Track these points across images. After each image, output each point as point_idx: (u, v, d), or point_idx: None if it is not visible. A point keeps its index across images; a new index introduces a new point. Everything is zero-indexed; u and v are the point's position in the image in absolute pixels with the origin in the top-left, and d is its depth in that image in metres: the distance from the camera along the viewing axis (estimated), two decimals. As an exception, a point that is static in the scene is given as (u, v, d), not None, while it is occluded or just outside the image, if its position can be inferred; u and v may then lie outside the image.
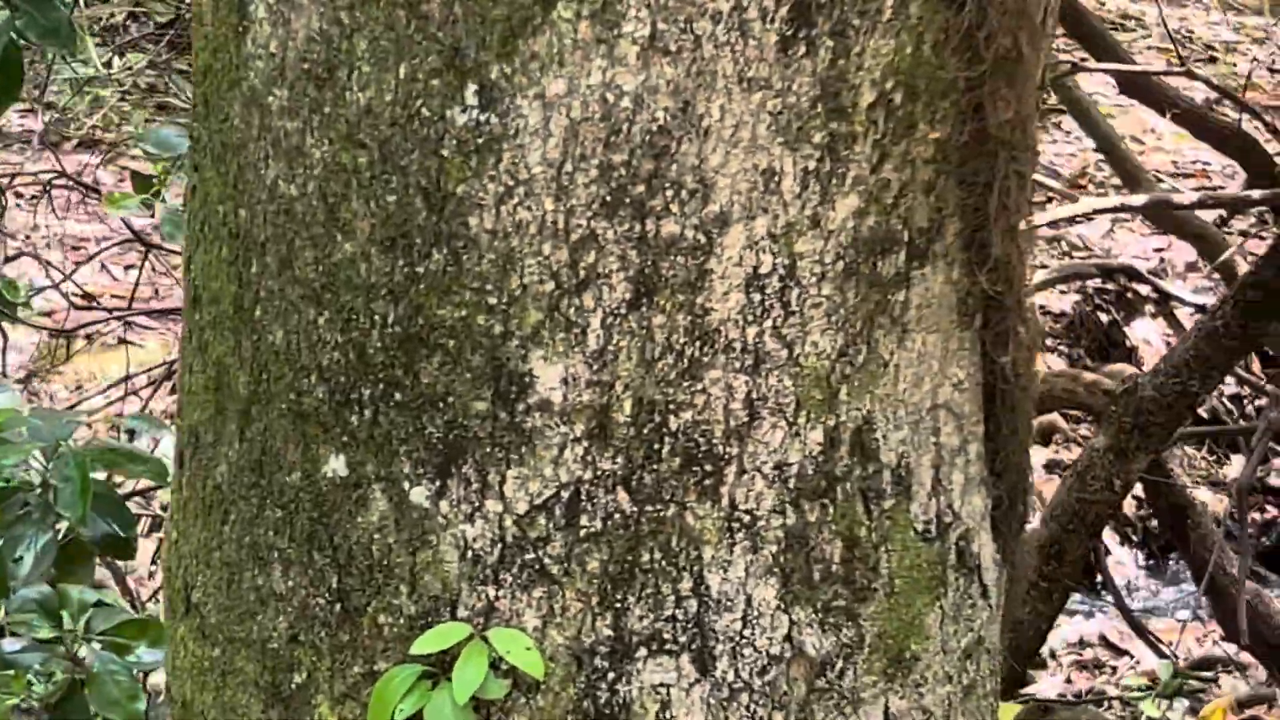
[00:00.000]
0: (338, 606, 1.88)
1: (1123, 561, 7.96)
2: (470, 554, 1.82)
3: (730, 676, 1.86)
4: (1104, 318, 8.81)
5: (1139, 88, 3.94)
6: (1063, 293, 9.20)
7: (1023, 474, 2.10)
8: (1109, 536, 8.09)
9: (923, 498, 1.95)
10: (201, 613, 2.01)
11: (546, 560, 1.82)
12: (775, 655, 1.87)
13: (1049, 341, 8.97)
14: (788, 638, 1.87)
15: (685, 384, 1.81)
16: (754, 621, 1.86)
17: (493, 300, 1.78)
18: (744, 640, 1.86)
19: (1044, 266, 9.82)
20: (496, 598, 1.83)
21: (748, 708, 1.87)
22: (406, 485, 1.83)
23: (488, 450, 1.81)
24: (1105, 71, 3.95)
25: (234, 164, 1.90)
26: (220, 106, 1.91)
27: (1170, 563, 8.37)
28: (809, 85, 1.78)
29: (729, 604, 1.85)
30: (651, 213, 1.77)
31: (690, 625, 1.85)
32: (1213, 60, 14.27)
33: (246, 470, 1.93)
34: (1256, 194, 3.89)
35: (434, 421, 1.81)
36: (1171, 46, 15.14)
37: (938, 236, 1.91)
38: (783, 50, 1.76)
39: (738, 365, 1.82)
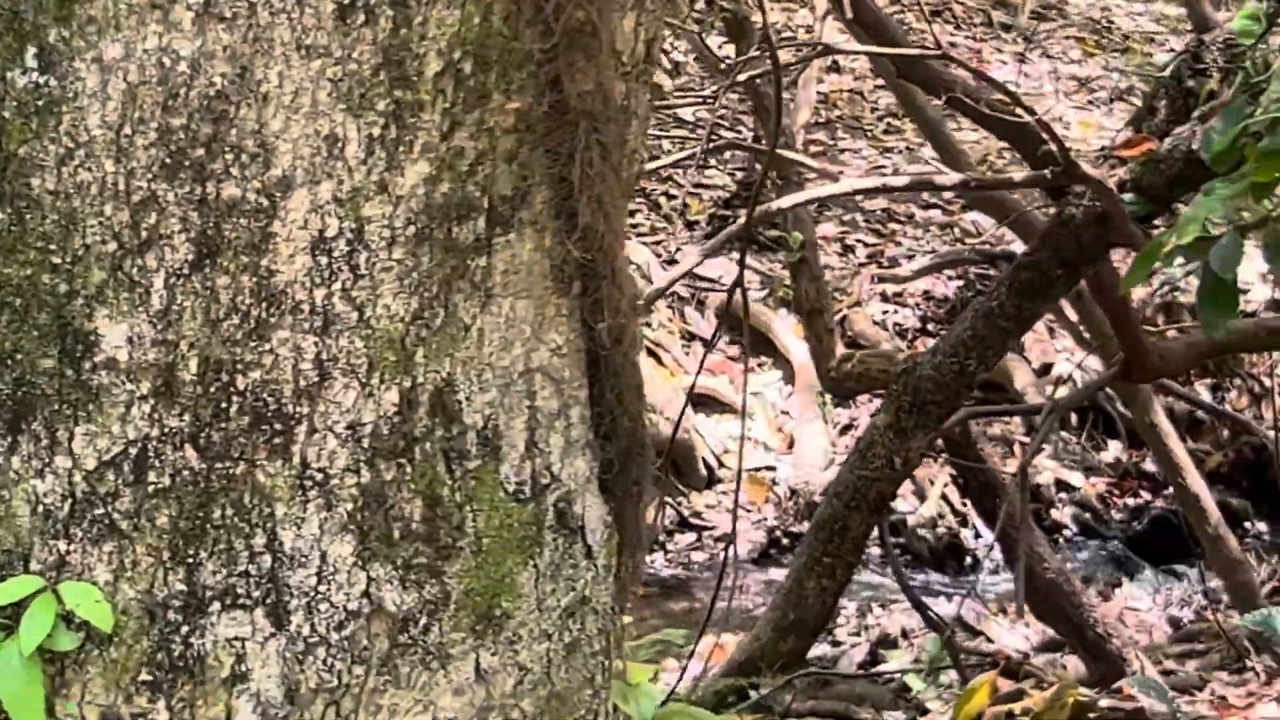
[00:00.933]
0: (-76, 560, 1.92)
1: (989, 541, 8.02)
2: (41, 509, 1.86)
3: (306, 631, 1.90)
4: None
5: (918, 74, 3.99)
6: (948, 278, 9.29)
7: (635, 438, 2.14)
8: (975, 518, 8.18)
9: (515, 459, 2.00)
10: None
11: (116, 515, 1.86)
12: (353, 610, 1.91)
13: (931, 326, 9.06)
14: (366, 593, 1.92)
15: (252, 344, 1.85)
16: (329, 577, 1.90)
17: (57, 260, 1.82)
18: (319, 595, 1.90)
19: (932, 251, 9.94)
20: (68, 552, 1.87)
21: (325, 661, 1.91)
22: (-19, 441, 1.87)
23: (56, 407, 1.85)
24: (861, 54, 3.99)
25: None
26: None
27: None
28: (370, 53, 1.82)
29: (303, 560, 1.89)
30: (212, 175, 1.81)
31: (264, 580, 1.89)
32: (1126, 50, 14.38)
33: None
34: (1018, 177, 3.95)
35: (3, 379, 1.85)
36: (1088, 37, 15.27)
37: (524, 204, 1.95)
38: (340, 19, 1.80)
39: (306, 326, 1.86)
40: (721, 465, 8.15)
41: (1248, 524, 8.98)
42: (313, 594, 1.90)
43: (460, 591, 1.97)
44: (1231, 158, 2.83)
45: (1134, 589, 7.55)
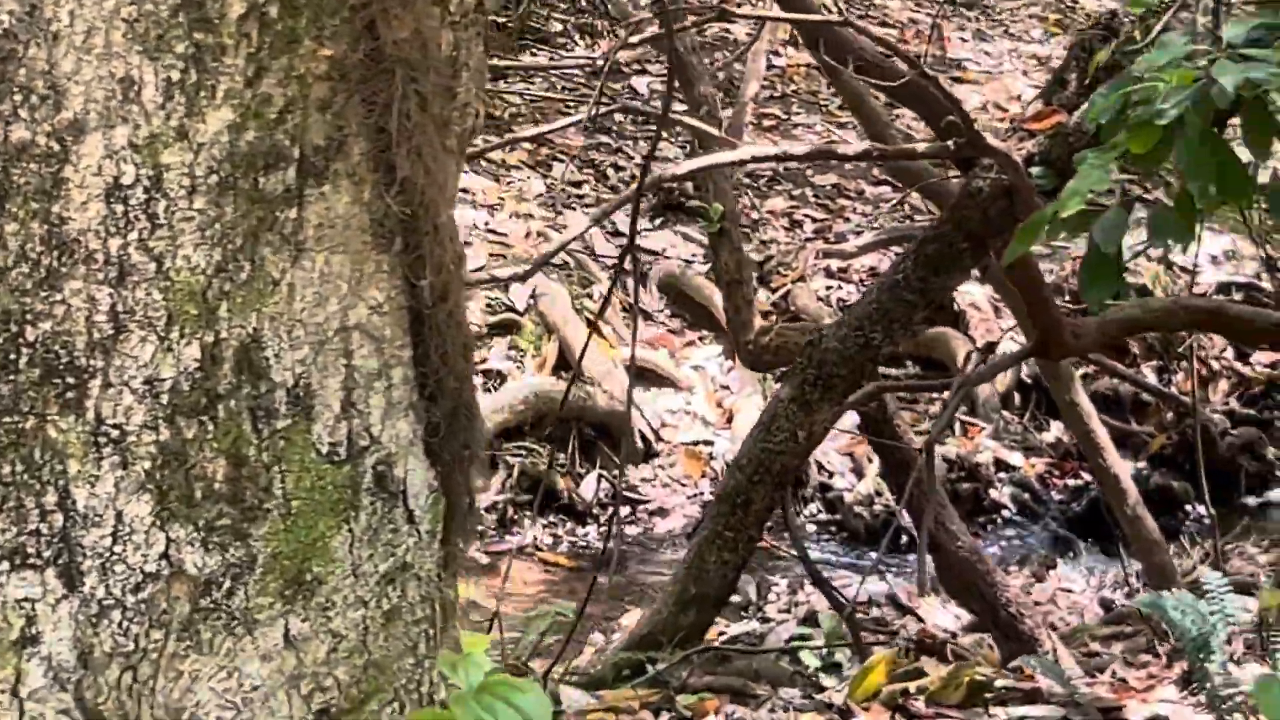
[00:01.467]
0: None
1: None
2: None
3: (100, 593, 1.83)
4: (929, 281, 8.80)
5: (823, 42, 3.92)
6: (895, 255, 9.22)
7: (462, 400, 2.08)
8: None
9: (329, 420, 1.93)
10: None
11: (-102, 470, 1.79)
12: (151, 572, 1.85)
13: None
14: (165, 555, 1.85)
15: (43, 294, 1.78)
16: (125, 538, 1.84)
17: None
18: (115, 556, 1.83)
19: (880, 228, 9.87)
20: None
21: (120, 624, 1.84)
22: None
23: None
24: (760, 18, 3.92)
25: None
26: None
27: (976, 529, 8.41)
28: (168, -7, 1.75)
29: (97, 519, 1.83)
30: (0, 118, 1.74)
31: (56, 540, 1.82)
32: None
33: None
34: (922, 147, 3.89)
35: None
36: (1050, 16, 15.21)
37: (339, 155, 1.89)
38: (135, -44, 1.73)
39: (100, 277, 1.79)
40: (659, 439, 8.08)
41: (1189, 506, 8.95)
42: (107, 555, 1.83)
43: (268, 555, 1.90)
44: (1118, 129, 2.77)
45: (1069, 570, 7.50)
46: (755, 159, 4.00)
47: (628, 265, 3.51)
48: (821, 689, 3.96)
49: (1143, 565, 5.27)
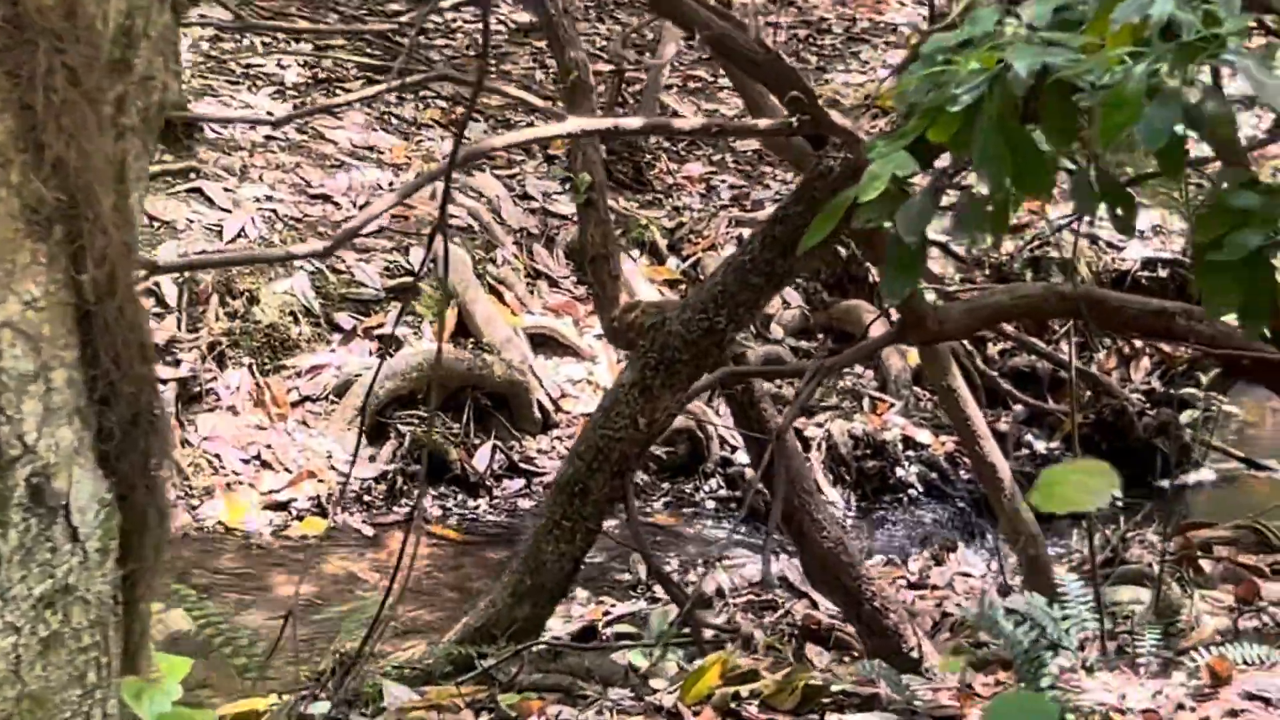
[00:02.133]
0: None
1: (835, 502, 7.82)
2: None
3: None
4: (843, 252, 8.62)
5: (671, 11, 3.71)
6: (811, 226, 9.02)
7: (142, 404, 1.88)
8: (821, 477, 7.96)
9: (-31, 427, 1.73)
10: None
11: None
12: None
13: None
14: None
15: None
16: None
17: None
18: None
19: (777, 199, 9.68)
20: None
21: None
22: None
23: None
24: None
25: None
26: None
27: (881, 507, 8.25)
28: None
29: None
30: None
31: None
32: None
33: None
34: (763, 124, 3.69)
35: None
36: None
37: (-19, 134, 1.68)
38: None
39: None
40: (558, 409, 7.88)
41: (1101, 488, 8.80)
42: None
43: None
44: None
45: (971, 554, 7.32)
46: (585, 131, 3.80)
47: (438, 242, 3.28)
48: (654, 690, 3.78)
49: (1019, 559, 5.10)
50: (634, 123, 3.57)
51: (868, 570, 4.64)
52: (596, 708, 3.65)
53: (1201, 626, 5.63)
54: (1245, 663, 4.08)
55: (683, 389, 3.87)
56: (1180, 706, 3.70)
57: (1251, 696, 3.80)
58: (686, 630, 4.10)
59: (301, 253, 3.76)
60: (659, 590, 6.67)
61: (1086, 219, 3.59)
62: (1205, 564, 6.37)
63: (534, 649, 4.01)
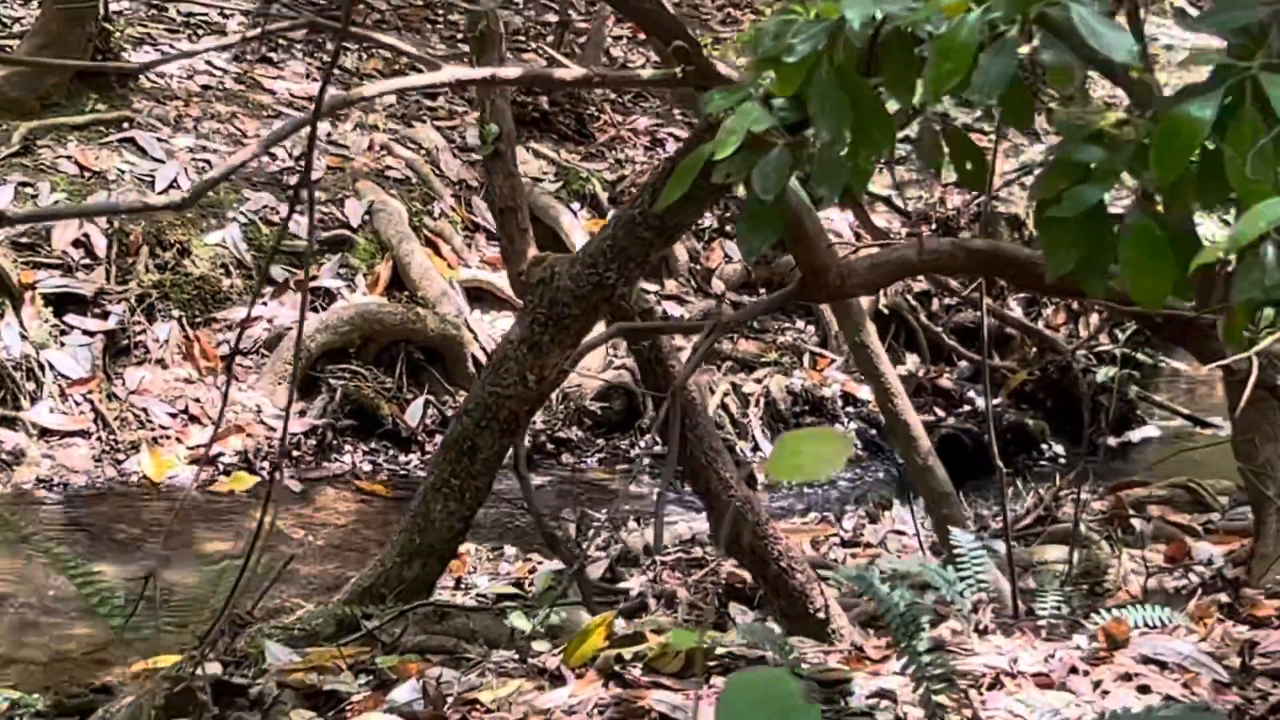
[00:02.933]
0: None
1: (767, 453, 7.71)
2: None
3: None
4: (786, 208, 8.50)
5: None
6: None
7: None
8: (759, 433, 7.90)
9: None
10: None
11: None
12: None
13: (730, 227, 8.72)
14: None
15: None
16: None
17: None
18: None
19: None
20: None
21: None
22: None
23: None
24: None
25: None
26: None
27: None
28: None
29: None
30: None
31: None
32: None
33: None
34: (645, 74, 3.60)
35: None
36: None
37: None
38: None
39: None
40: (493, 364, 7.79)
41: (1045, 445, 8.76)
42: None
43: None
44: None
45: (904, 512, 7.26)
46: (460, 81, 3.70)
47: (303, 196, 3.19)
48: (537, 653, 3.70)
49: (931, 519, 5.03)
50: (512, 72, 3.47)
51: (775, 530, 4.56)
52: (479, 670, 3.58)
53: (1127, 584, 5.59)
54: (1147, 625, 4.03)
55: (572, 345, 3.79)
56: (1073, 670, 3.64)
57: (1148, 660, 3.74)
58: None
59: (159, 204, 3.66)
60: (591, 549, 6.62)
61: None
62: (1136, 522, 6.33)
63: (421, 610, 3.93)
